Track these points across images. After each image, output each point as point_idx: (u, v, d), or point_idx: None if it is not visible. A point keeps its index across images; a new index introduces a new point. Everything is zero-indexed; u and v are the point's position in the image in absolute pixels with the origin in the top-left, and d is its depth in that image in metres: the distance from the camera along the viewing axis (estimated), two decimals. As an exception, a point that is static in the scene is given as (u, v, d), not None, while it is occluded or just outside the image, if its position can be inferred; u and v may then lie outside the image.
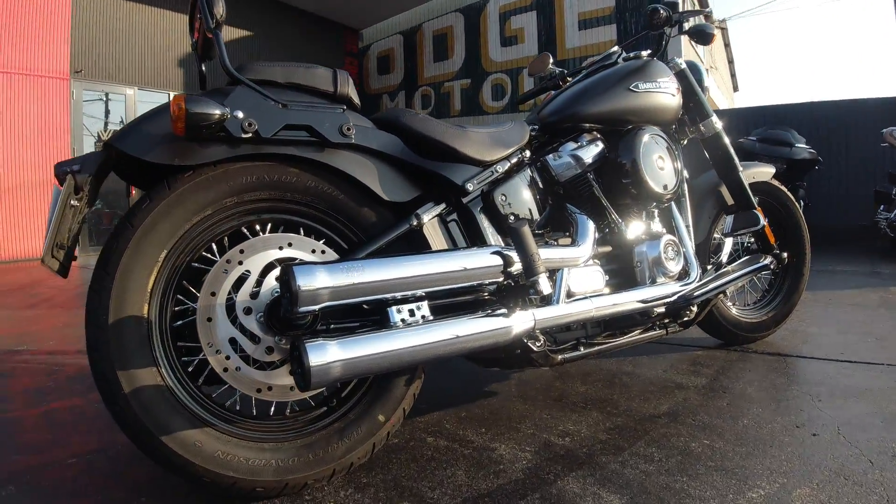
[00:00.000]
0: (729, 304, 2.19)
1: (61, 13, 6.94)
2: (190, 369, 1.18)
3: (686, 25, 1.94)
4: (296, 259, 1.22)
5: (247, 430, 1.19)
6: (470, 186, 1.42)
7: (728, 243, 2.09)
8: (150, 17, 8.48)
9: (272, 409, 1.27)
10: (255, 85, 1.19)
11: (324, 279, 1.05)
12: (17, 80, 6.61)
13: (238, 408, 1.22)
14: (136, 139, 1.12)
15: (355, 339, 1.07)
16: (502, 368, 1.58)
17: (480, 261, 1.25)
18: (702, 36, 1.91)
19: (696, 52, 9.33)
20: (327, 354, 1.02)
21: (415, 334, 1.13)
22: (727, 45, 14.48)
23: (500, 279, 1.28)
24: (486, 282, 1.27)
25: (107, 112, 8.20)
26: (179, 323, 1.18)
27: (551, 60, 2.22)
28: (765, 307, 2.31)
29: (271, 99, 1.21)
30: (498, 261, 1.26)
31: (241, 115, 1.16)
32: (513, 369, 1.57)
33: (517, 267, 1.29)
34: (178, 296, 1.19)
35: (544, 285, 1.24)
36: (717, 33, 1.95)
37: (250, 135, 1.17)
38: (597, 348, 1.55)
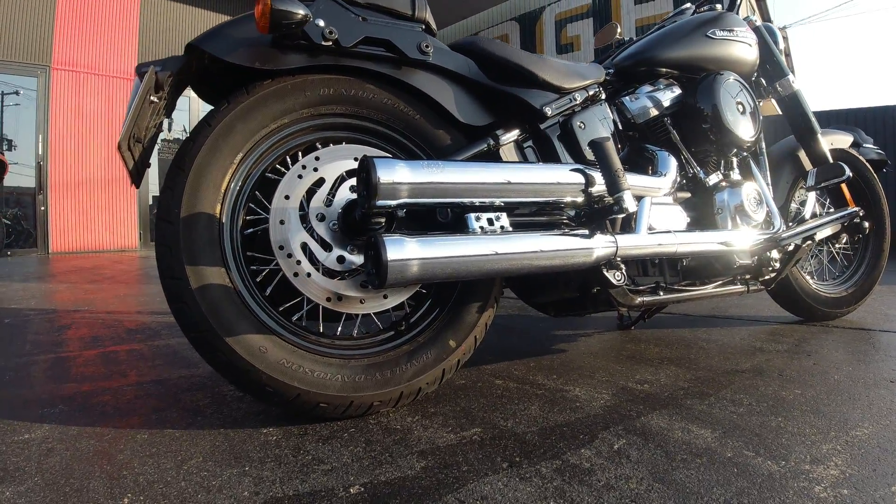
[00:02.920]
0: (808, 277, 2.06)
1: (130, 17, 7.30)
2: (258, 279, 1.15)
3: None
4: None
5: (313, 344, 1.15)
6: (548, 111, 1.36)
7: (811, 198, 1.97)
8: (213, 22, 8.82)
9: (339, 328, 1.22)
10: None
11: (404, 174, 1.01)
12: (87, 79, 6.95)
13: (304, 324, 1.19)
14: (219, 40, 1.11)
15: (434, 238, 1.02)
16: (578, 313, 1.50)
17: (562, 176, 1.19)
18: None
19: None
20: (405, 250, 0.97)
21: (495, 242, 1.07)
22: (788, 55, 14.04)
23: (581, 199, 1.22)
24: (567, 199, 1.20)
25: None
26: (250, 231, 1.16)
27: (618, 30, 2.17)
28: (845, 282, 2.16)
29: (352, 11, 1.19)
30: (580, 178, 1.20)
31: (322, 23, 1.14)
32: (587, 312, 1.49)
33: (598, 188, 1.22)
34: (251, 204, 1.16)
35: (629, 202, 1.16)
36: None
37: (330, 43, 1.15)
38: (676, 295, 1.45)
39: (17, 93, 7.04)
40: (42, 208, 6.90)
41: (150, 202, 8.47)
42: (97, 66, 7.07)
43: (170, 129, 8.41)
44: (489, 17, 9.60)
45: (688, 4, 1.94)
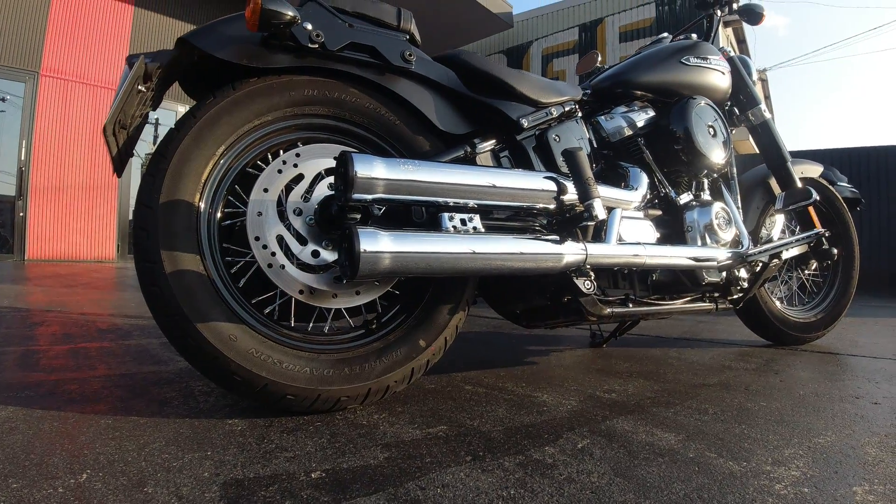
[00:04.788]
0: (777, 301, 2.11)
1: (122, 28, 7.36)
2: (233, 270, 1.16)
3: (735, 5, 1.96)
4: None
5: (283, 337, 1.15)
6: (525, 122, 1.41)
7: (780, 221, 2.03)
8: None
9: (311, 322, 1.23)
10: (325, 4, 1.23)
11: (380, 170, 1.04)
12: (74, 87, 6.95)
13: (276, 317, 1.19)
14: (209, 37, 1.14)
15: (408, 234, 1.04)
16: (548, 324, 1.52)
17: (535, 182, 1.22)
18: (751, 15, 1.93)
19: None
20: (379, 243, 0.99)
21: (467, 242, 1.09)
22: (767, 98, 14.45)
23: (553, 206, 1.25)
24: (539, 205, 1.24)
25: (156, 126, 8.54)
26: (228, 223, 1.17)
27: (599, 58, 2.24)
28: (814, 308, 2.21)
29: (339, 18, 1.24)
30: (552, 185, 1.24)
31: (309, 26, 1.18)
32: (558, 323, 1.51)
33: (570, 196, 1.25)
34: (230, 197, 1.18)
35: (599, 210, 1.20)
36: (766, 14, 1.95)
37: (317, 46, 1.19)
38: (645, 308, 1.48)
39: (2, 100, 7.00)
40: (21, 214, 6.81)
41: (130, 217, 8.41)
42: (86, 75, 7.08)
43: (155, 138, 8.40)
44: (478, 49, 9.86)
45: (665, 34, 2.02)
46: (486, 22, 9.40)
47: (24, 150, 6.79)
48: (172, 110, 8.57)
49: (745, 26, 11.18)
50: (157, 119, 8.64)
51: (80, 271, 5.17)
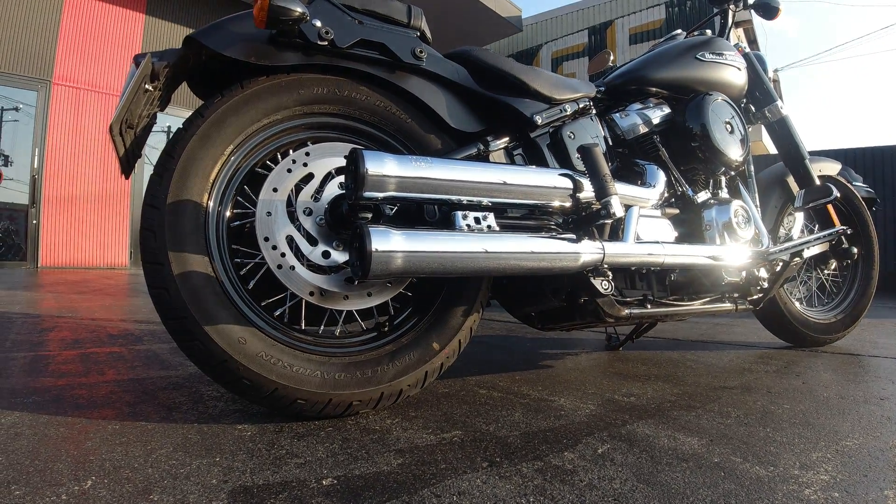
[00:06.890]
0: (797, 302, 2.06)
1: (134, 37, 7.43)
2: (242, 272, 1.13)
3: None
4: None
5: (293, 340, 1.12)
6: (538, 119, 1.38)
7: (799, 219, 1.98)
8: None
9: (321, 327, 1.20)
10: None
11: (392, 167, 1.01)
12: (86, 95, 7.02)
13: (286, 319, 1.17)
14: (217, 34, 1.12)
15: (421, 233, 1.01)
16: (563, 327, 1.48)
17: (551, 179, 1.19)
18: (767, 10, 1.89)
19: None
20: (391, 242, 0.97)
21: (481, 240, 1.06)
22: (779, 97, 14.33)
23: (569, 203, 1.22)
24: (555, 203, 1.20)
25: (168, 133, 8.59)
26: (237, 224, 1.15)
27: (611, 58, 2.21)
28: (834, 309, 2.16)
29: (348, 14, 1.22)
30: (568, 183, 1.20)
31: (318, 23, 1.16)
32: (574, 325, 1.47)
33: (587, 193, 1.22)
34: (239, 198, 1.16)
35: (616, 207, 1.16)
36: (781, 8, 1.91)
37: (326, 43, 1.17)
38: (664, 309, 1.44)
39: (16, 109, 7.08)
40: (34, 222, 6.87)
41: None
42: (97, 83, 7.15)
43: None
44: (488, 53, 9.85)
45: (679, 31, 1.99)
46: (495, 26, 9.40)
47: (36, 158, 6.87)
48: (182, 117, 8.63)
49: (756, 27, 11.12)
50: (169, 127, 8.69)
51: (92, 278, 5.19)
